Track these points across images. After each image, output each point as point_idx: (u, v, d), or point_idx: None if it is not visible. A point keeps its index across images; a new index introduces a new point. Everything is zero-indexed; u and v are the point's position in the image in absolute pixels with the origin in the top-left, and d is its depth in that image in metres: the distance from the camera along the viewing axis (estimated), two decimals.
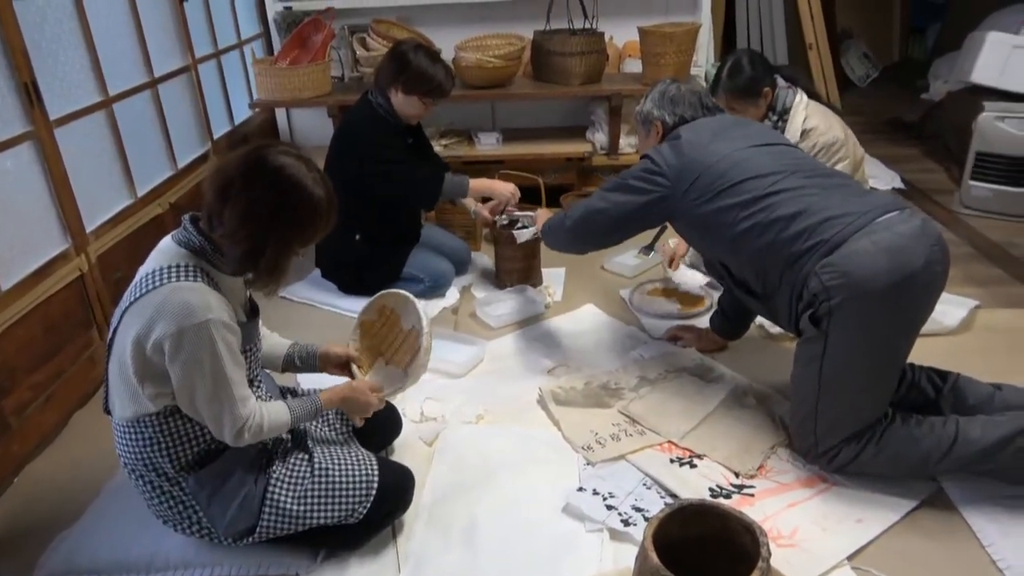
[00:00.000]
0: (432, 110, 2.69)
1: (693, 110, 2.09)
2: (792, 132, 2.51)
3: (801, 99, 2.55)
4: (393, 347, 1.91)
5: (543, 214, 2.56)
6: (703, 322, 2.61)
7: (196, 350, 1.37)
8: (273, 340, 1.81)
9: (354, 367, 1.84)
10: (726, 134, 1.97)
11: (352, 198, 2.61)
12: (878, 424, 1.76)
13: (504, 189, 2.81)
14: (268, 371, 1.81)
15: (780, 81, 2.56)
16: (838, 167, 2.43)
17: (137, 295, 1.41)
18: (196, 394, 1.41)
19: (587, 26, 3.45)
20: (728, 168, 1.87)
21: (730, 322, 2.36)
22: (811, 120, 2.51)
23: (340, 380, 1.80)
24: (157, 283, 1.39)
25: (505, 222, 2.84)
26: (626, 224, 2.07)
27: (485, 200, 2.88)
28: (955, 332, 2.46)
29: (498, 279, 2.96)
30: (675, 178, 1.93)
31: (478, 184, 2.81)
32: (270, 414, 1.53)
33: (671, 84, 2.15)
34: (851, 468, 1.79)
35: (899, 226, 1.69)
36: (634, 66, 3.70)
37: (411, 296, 1.87)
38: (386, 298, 1.93)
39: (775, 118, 2.54)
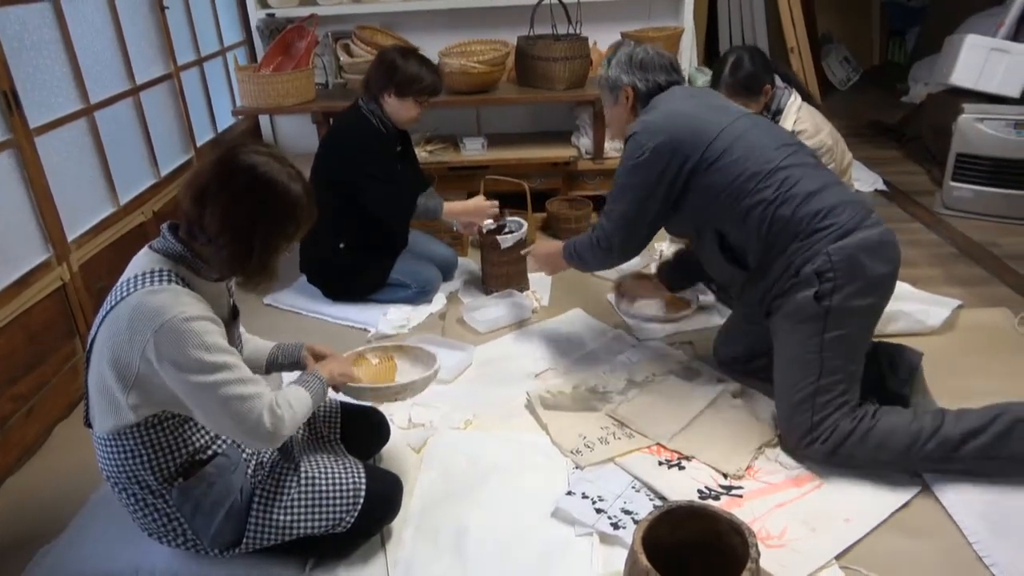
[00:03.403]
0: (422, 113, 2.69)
1: (666, 74, 2.05)
2: None
3: (795, 100, 2.56)
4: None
5: (532, 224, 2.57)
6: (690, 324, 2.62)
7: (179, 347, 1.34)
8: (255, 343, 1.79)
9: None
10: (708, 102, 2.01)
11: (337, 205, 2.61)
12: (869, 403, 1.85)
13: (479, 212, 2.79)
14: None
15: (778, 81, 2.57)
16: None
17: (111, 305, 1.39)
18: (203, 395, 1.37)
19: (571, 31, 3.46)
20: (735, 138, 1.90)
21: (678, 274, 2.47)
22: (801, 123, 2.52)
23: None
24: (129, 291, 1.38)
25: (492, 227, 2.84)
26: (653, 205, 2.00)
27: None
28: (938, 332, 2.48)
29: (485, 284, 2.96)
30: (686, 139, 1.90)
31: (453, 209, 2.78)
32: (288, 397, 1.51)
33: (637, 47, 2.07)
34: (843, 449, 1.80)
35: (880, 228, 1.85)
36: None
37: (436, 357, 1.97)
38: (403, 349, 2.04)
39: (769, 116, 2.55)
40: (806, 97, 2.63)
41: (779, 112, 2.55)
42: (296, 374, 1.70)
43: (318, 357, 1.80)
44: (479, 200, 2.81)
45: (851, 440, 1.79)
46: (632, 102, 2.07)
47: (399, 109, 2.60)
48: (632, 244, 2.12)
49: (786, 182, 1.85)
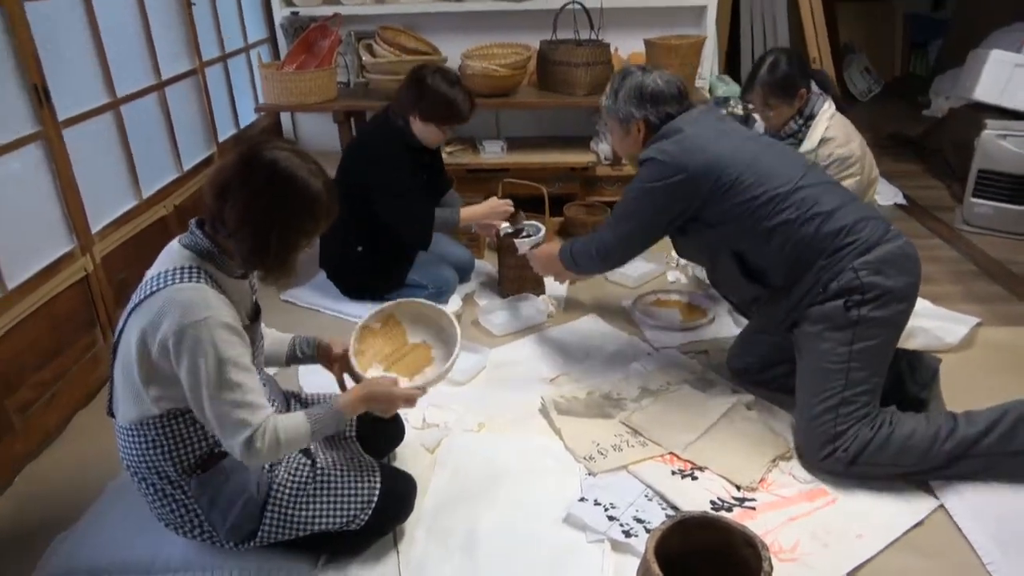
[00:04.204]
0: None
1: (677, 103, 2.05)
2: (812, 139, 2.50)
3: (829, 108, 2.54)
4: (391, 359, 1.89)
5: (549, 228, 2.57)
6: (706, 333, 2.62)
7: (198, 347, 1.36)
8: (274, 335, 1.80)
9: (353, 360, 1.77)
10: (719, 128, 2.03)
11: (357, 210, 2.63)
12: (885, 411, 1.88)
13: (496, 212, 2.79)
14: (271, 373, 1.81)
15: (814, 87, 2.57)
16: (847, 182, 2.45)
17: (141, 297, 1.42)
18: (201, 393, 1.39)
19: (593, 37, 3.47)
20: (748, 164, 1.92)
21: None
22: (832, 131, 2.50)
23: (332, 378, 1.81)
24: (160, 285, 1.40)
25: (509, 231, 2.85)
26: (659, 231, 2.09)
27: None
28: (956, 349, 2.47)
29: (500, 287, 2.97)
30: (701, 173, 1.91)
31: (468, 215, 2.78)
32: (286, 427, 1.47)
33: (646, 77, 2.05)
34: (863, 458, 1.81)
35: (901, 240, 1.91)
36: None
37: (449, 314, 1.89)
38: (401, 307, 1.92)
39: (801, 121, 2.53)
40: (840, 107, 2.62)
41: (812, 117, 2.53)
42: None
43: (327, 355, 1.81)
44: (493, 201, 2.82)
45: (871, 447, 1.80)
46: (644, 134, 2.08)
47: (423, 131, 2.59)
48: (628, 258, 2.27)
49: (806, 201, 1.88)
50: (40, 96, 2.17)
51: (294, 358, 1.80)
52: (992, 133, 3.42)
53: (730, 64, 5.03)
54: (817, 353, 1.89)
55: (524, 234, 2.81)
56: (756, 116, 4.03)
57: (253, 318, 1.61)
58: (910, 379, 2.08)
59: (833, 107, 2.57)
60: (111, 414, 1.55)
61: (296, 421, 1.50)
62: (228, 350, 1.39)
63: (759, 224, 1.90)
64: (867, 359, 1.84)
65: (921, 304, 2.72)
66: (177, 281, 1.40)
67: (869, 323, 1.83)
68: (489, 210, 2.80)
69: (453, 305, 2.85)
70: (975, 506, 1.77)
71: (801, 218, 1.87)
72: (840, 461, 1.84)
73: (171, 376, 1.40)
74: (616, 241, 2.14)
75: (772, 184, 1.89)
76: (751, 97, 2.53)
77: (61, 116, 2.28)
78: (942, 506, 1.79)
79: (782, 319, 2.00)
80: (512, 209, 2.81)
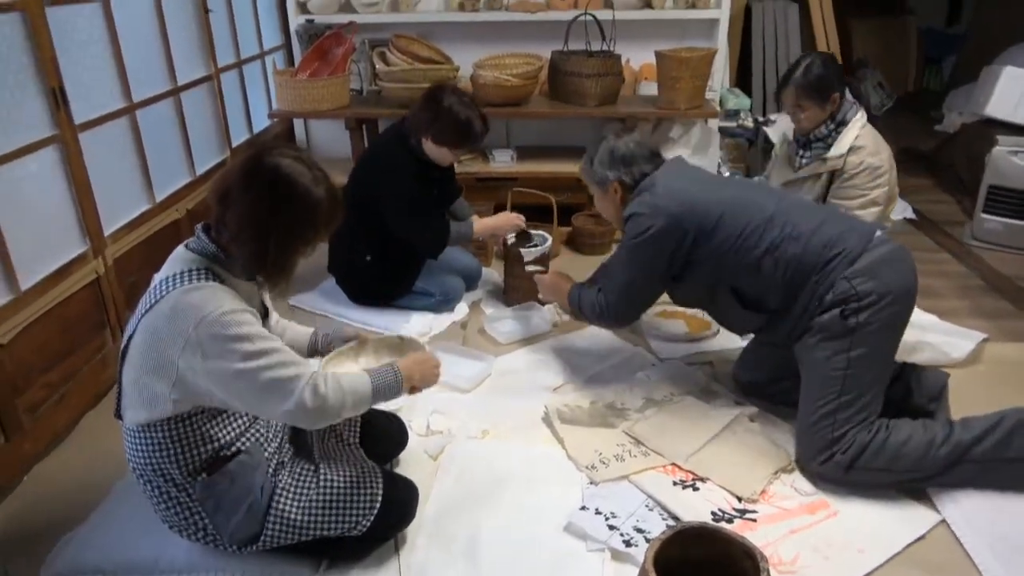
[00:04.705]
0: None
1: (650, 162, 2.15)
2: (841, 145, 2.49)
3: (861, 117, 2.53)
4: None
5: (557, 237, 2.58)
6: (711, 345, 2.62)
7: (221, 338, 1.38)
8: (293, 330, 1.84)
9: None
10: (694, 176, 2.14)
11: (366, 222, 2.65)
12: (885, 417, 1.90)
13: (507, 224, 2.83)
14: None
15: (848, 95, 2.56)
16: (874, 192, 2.45)
17: (151, 303, 1.44)
18: (240, 377, 1.40)
19: (604, 48, 3.48)
20: (728, 203, 1.99)
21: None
22: (862, 139, 2.48)
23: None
24: (168, 289, 1.42)
25: (516, 240, 2.86)
26: (657, 284, 2.15)
27: None
28: (962, 364, 2.46)
29: (505, 296, 2.98)
30: (684, 216, 1.98)
31: (481, 227, 2.82)
32: (348, 377, 1.52)
33: (618, 142, 2.17)
34: (860, 462, 1.83)
35: (890, 244, 1.94)
36: (650, 89, 3.73)
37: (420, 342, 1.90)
38: (373, 342, 1.93)
39: (832, 126, 2.52)
40: (872, 118, 2.60)
41: (843, 124, 2.51)
42: None
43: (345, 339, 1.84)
44: (507, 214, 2.85)
45: (868, 451, 1.82)
46: (621, 194, 2.17)
47: (434, 151, 2.61)
48: (631, 314, 2.28)
49: (787, 223, 1.94)
50: (58, 99, 2.21)
51: (315, 351, 1.83)
52: (1004, 149, 3.42)
53: (741, 77, 5.03)
54: (816, 362, 1.91)
55: (532, 244, 2.83)
56: (766, 129, 4.06)
57: (262, 317, 1.63)
58: (918, 392, 2.09)
59: (865, 117, 2.55)
60: (119, 416, 1.56)
61: (356, 376, 1.56)
62: (247, 328, 1.41)
63: (748, 255, 1.95)
64: (865, 365, 1.86)
65: (928, 319, 2.73)
66: (185, 283, 1.42)
67: (866, 329, 1.85)
68: (503, 222, 2.83)
69: (459, 313, 2.87)
70: (976, 521, 1.77)
71: (787, 240, 1.92)
72: (838, 465, 1.85)
73: (194, 377, 1.41)
74: (616, 298, 2.18)
75: (753, 214, 1.96)
76: (784, 96, 2.53)
77: (78, 120, 2.31)
78: (943, 521, 1.79)
79: (784, 338, 2.03)
80: (523, 224, 2.83)
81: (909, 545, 1.73)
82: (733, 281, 2.02)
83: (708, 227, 1.97)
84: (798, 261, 1.91)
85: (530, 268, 2.72)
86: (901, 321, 1.93)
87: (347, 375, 1.57)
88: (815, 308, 1.91)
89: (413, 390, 1.70)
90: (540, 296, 2.63)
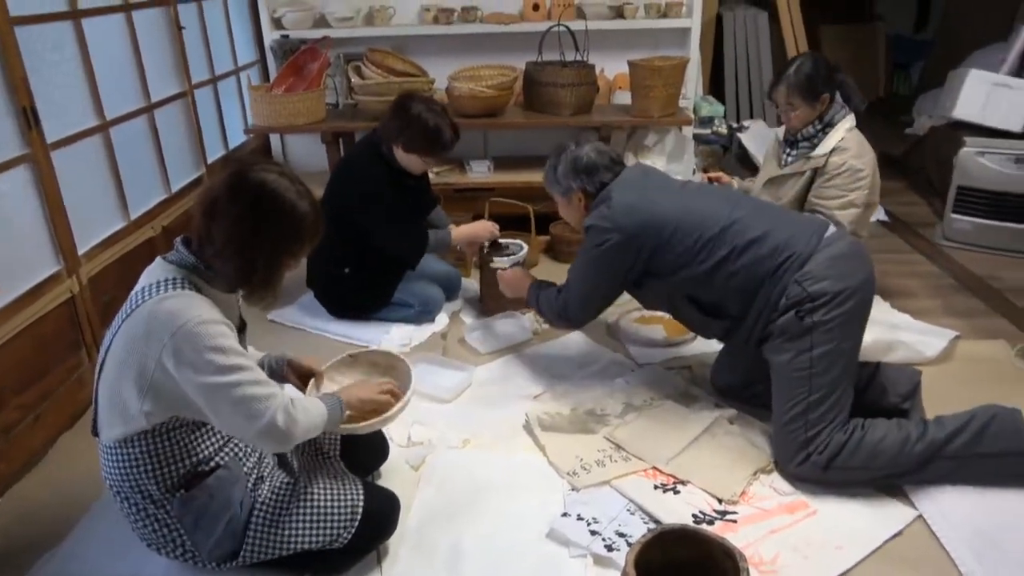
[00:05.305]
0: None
1: (611, 171, 2.19)
2: (825, 145, 2.52)
3: (849, 121, 2.56)
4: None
5: (535, 246, 2.60)
6: (690, 349, 2.65)
7: (194, 351, 1.37)
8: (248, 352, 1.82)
9: (311, 382, 1.81)
10: (651, 183, 2.16)
11: (343, 234, 2.65)
12: (860, 416, 1.93)
13: (483, 232, 2.87)
14: None
15: (838, 97, 2.59)
16: (853, 195, 2.48)
17: (127, 314, 1.43)
18: (215, 390, 1.39)
19: (578, 58, 3.52)
20: (683, 213, 2.02)
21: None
22: (848, 141, 2.51)
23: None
24: (144, 298, 1.42)
25: (491, 249, 2.87)
26: (613, 291, 2.23)
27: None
28: (935, 362, 2.50)
29: (482, 304, 2.99)
30: (639, 231, 2.03)
31: (459, 235, 2.86)
32: (307, 402, 1.53)
33: (580, 151, 2.21)
34: (837, 462, 1.85)
35: (843, 241, 1.97)
36: (624, 98, 3.77)
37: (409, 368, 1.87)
38: (360, 356, 1.95)
39: (820, 126, 2.55)
40: (859, 124, 2.62)
41: (830, 125, 2.54)
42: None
43: (300, 372, 1.82)
44: (483, 222, 2.88)
45: (845, 451, 1.84)
46: (584, 202, 2.22)
47: (406, 159, 2.63)
48: (587, 316, 2.33)
49: (738, 234, 1.97)
50: (29, 118, 2.19)
51: (273, 374, 1.81)
52: (971, 151, 3.48)
53: (714, 85, 5.10)
54: (781, 364, 1.94)
55: (507, 252, 2.84)
56: (740, 135, 4.11)
57: (239, 331, 1.63)
58: (892, 391, 2.12)
59: (853, 120, 2.59)
60: (95, 433, 1.55)
61: (312, 401, 1.57)
62: (222, 340, 1.41)
63: (699, 267, 1.99)
64: (829, 362, 1.88)
65: (902, 318, 2.77)
66: (159, 293, 1.42)
67: (824, 326, 1.87)
68: (479, 229, 2.86)
69: (439, 323, 2.87)
70: (952, 516, 1.79)
71: (736, 250, 1.95)
72: (816, 465, 1.87)
73: (169, 386, 1.41)
74: (575, 304, 2.25)
75: (705, 227, 1.99)
76: (776, 94, 2.56)
77: (50, 138, 2.30)
78: (920, 517, 1.81)
79: (744, 342, 2.07)
80: (498, 233, 2.85)
81: (887, 541, 1.75)
82: (689, 290, 2.07)
83: (661, 242, 2.02)
84: (747, 270, 1.95)
85: (494, 264, 2.73)
86: (860, 315, 1.94)
87: (308, 399, 1.57)
88: (770, 313, 1.94)
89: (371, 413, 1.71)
90: (503, 291, 2.62)
